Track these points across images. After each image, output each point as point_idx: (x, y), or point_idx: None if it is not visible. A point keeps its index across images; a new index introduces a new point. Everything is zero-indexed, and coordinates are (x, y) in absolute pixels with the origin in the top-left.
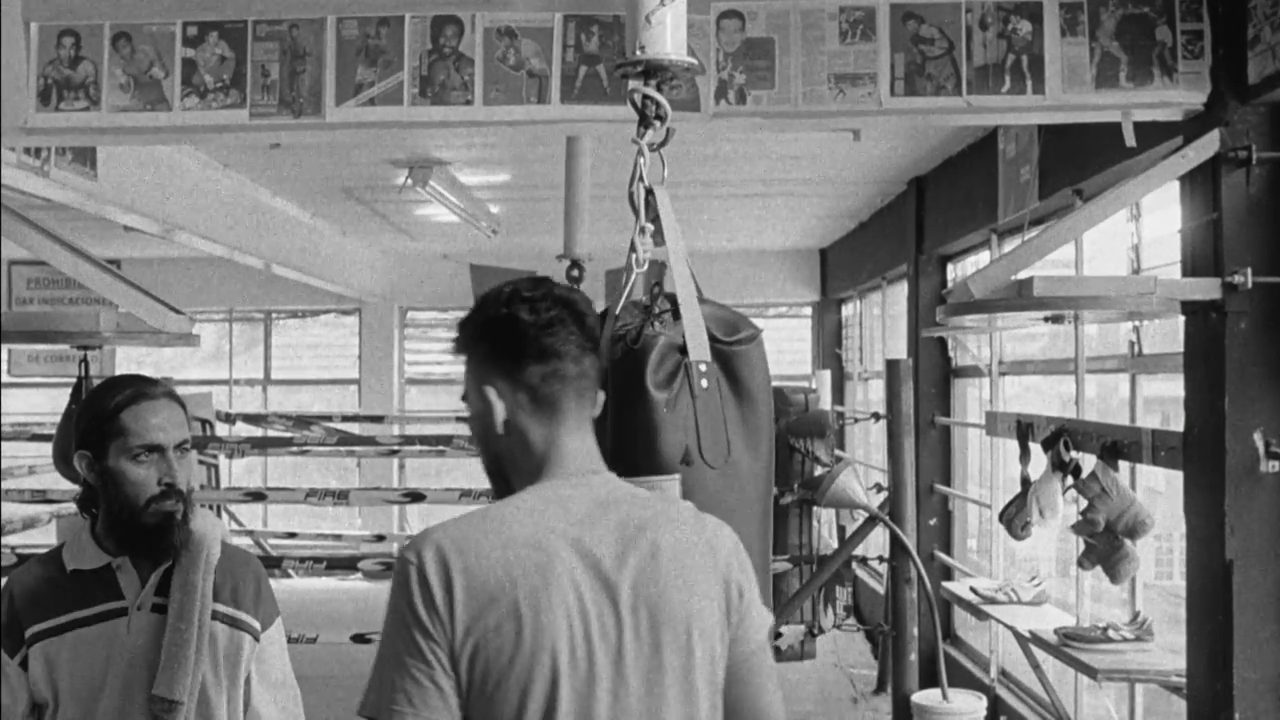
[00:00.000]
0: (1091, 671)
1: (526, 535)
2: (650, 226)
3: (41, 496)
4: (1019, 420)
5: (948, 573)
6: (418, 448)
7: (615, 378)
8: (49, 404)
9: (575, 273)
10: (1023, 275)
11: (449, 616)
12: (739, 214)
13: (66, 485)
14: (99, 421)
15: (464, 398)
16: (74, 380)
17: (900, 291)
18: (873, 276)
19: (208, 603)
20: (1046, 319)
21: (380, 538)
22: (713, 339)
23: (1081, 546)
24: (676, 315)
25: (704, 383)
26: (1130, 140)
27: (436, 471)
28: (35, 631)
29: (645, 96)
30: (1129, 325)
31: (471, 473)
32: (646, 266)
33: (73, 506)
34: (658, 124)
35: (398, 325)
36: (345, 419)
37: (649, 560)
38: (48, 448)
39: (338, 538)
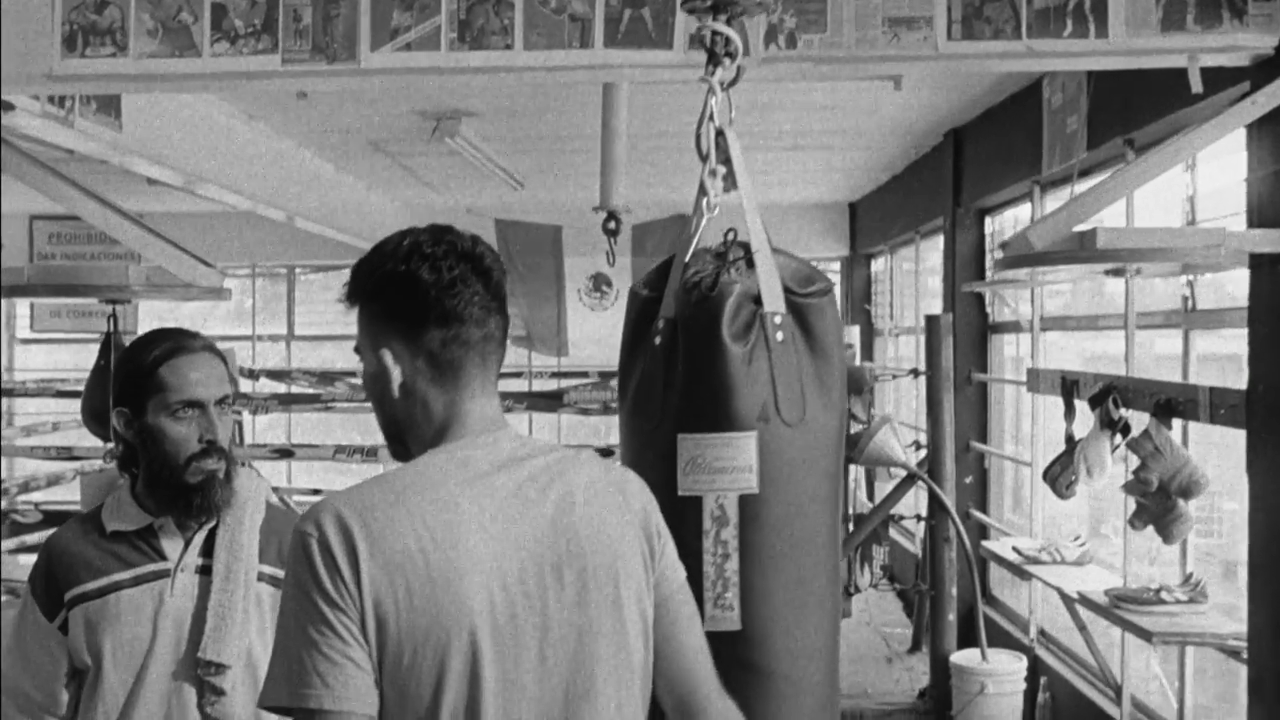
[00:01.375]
0: (1147, 635)
1: (432, 498)
2: (721, 169)
3: (67, 453)
4: (1064, 377)
5: (983, 531)
6: None
7: (688, 328)
8: (71, 360)
9: (611, 225)
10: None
11: (356, 587)
12: (769, 166)
13: (90, 442)
14: (137, 377)
15: (356, 350)
16: (101, 335)
17: (933, 246)
18: (905, 231)
19: (253, 564)
20: (1107, 272)
21: None
22: (786, 290)
23: (1132, 506)
24: (750, 264)
25: (780, 335)
26: (1197, 86)
27: None
28: (75, 594)
29: (714, 32)
30: (1182, 279)
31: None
32: (717, 211)
33: (98, 463)
34: (727, 61)
35: None
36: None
37: (564, 512)
38: (72, 404)
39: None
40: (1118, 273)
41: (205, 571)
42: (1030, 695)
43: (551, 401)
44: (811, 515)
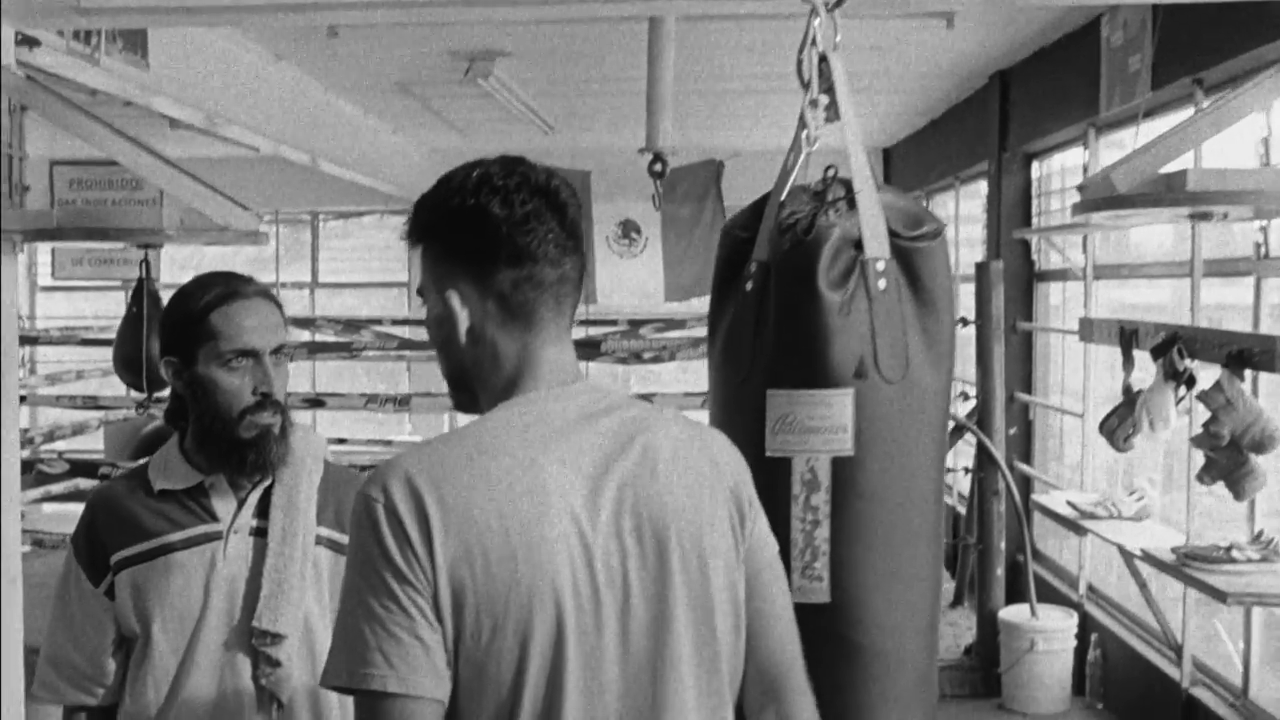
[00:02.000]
0: (1220, 595)
1: (509, 458)
2: (824, 99)
3: (93, 402)
4: (1122, 326)
5: (1027, 484)
6: None
7: (781, 274)
8: (92, 308)
9: (658, 167)
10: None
11: (428, 558)
12: (798, 110)
13: (114, 390)
14: (187, 324)
15: (420, 292)
16: (133, 282)
17: (973, 192)
18: (944, 176)
19: (311, 526)
20: (1192, 216)
21: None
22: (892, 233)
23: (1201, 460)
24: (851, 204)
25: (882, 283)
26: None
27: None
28: (122, 557)
29: None
30: (1254, 225)
31: None
32: (817, 145)
33: (122, 413)
34: None
35: None
36: (395, 322)
37: (648, 473)
38: (95, 352)
39: (388, 443)
40: (1203, 217)
41: (260, 534)
42: (1080, 653)
43: (588, 350)
44: (911, 481)
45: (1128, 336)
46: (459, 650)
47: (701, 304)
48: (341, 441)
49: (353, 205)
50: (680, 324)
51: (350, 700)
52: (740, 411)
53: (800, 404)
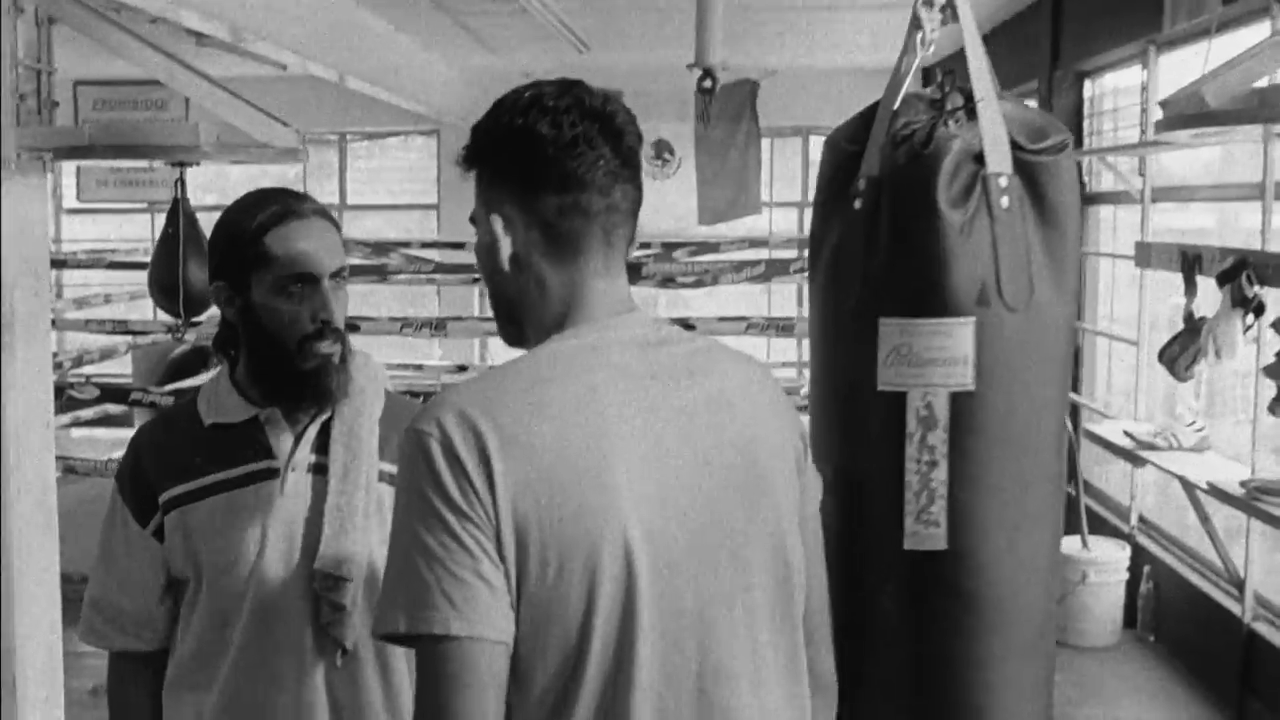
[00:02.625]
0: None
1: (568, 389)
2: None
3: (123, 327)
4: (1184, 251)
5: (1075, 412)
6: None
7: (896, 191)
8: (117, 231)
9: (708, 84)
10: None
11: (488, 492)
12: (830, 28)
13: (141, 315)
14: (239, 247)
15: (472, 219)
16: (167, 203)
17: None
18: None
19: (374, 461)
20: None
21: (463, 368)
22: (1014, 146)
23: (1273, 391)
24: (971, 114)
25: (1005, 201)
26: None
27: None
28: (171, 496)
29: None
30: None
31: None
32: (932, 50)
33: (151, 337)
34: None
35: None
36: (424, 245)
37: (714, 405)
38: (122, 275)
39: (419, 368)
40: None
41: (319, 470)
42: (1132, 585)
43: (629, 273)
44: (1035, 417)
45: (1190, 262)
46: (522, 591)
47: (731, 227)
48: None
49: (380, 126)
50: (714, 247)
51: (411, 651)
52: (848, 341)
53: (917, 334)
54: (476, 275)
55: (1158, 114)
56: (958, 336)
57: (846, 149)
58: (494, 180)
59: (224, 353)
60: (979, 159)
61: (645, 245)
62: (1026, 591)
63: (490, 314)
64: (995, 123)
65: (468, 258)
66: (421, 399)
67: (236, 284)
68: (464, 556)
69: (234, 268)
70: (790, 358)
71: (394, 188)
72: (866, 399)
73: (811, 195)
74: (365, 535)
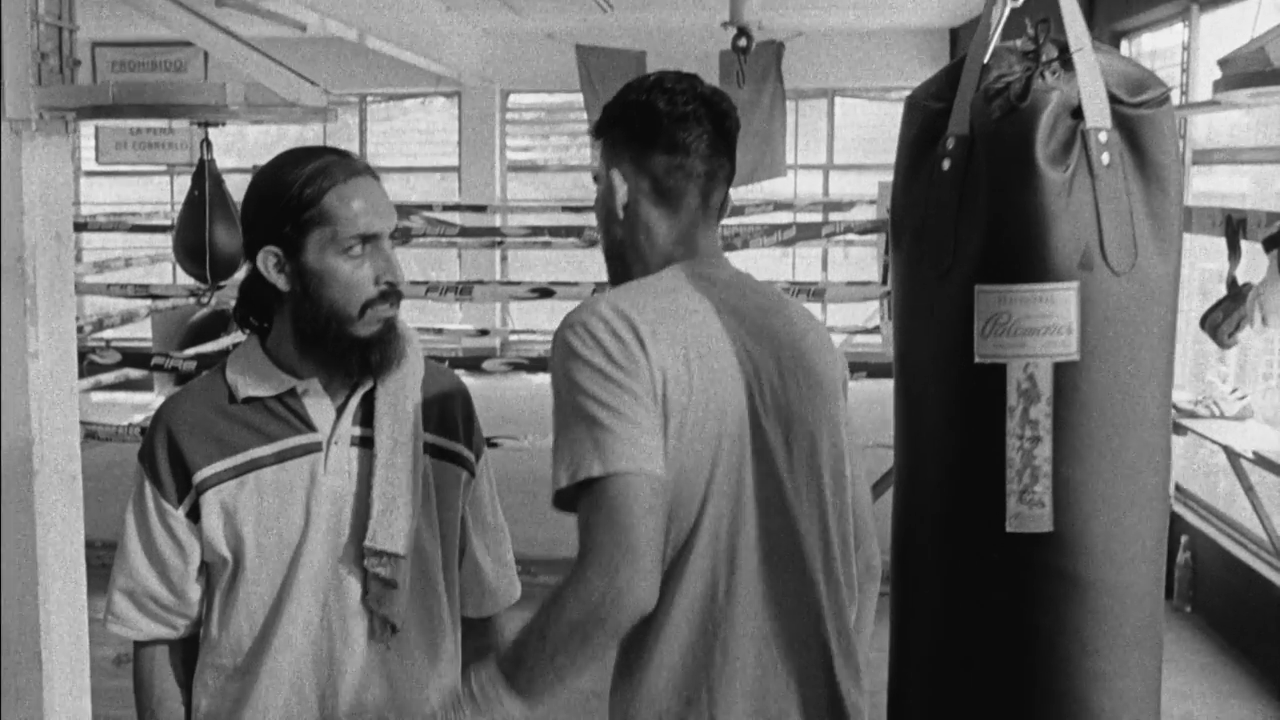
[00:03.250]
0: None
1: (686, 300)
2: None
3: (144, 291)
4: (1229, 215)
5: None
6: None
7: (991, 149)
8: (136, 193)
9: (742, 43)
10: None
11: (642, 353)
12: None
13: (160, 278)
14: (294, 208)
15: (595, 178)
16: (193, 165)
17: None
18: None
19: (420, 432)
20: None
21: (484, 332)
22: (1112, 99)
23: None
24: (1066, 65)
25: (1106, 157)
26: None
27: (544, 264)
28: (207, 476)
29: None
30: None
31: (583, 265)
32: (1021, 1)
33: (170, 302)
34: None
35: (499, 109)
36: (446, 208)
37: (795, 334)
38: (143, 239)
39: (438, 332)
40: None
41: (363, 443)
42: (1169, 554)
43: None
44: (1141, 389)
45: (1235, 226)
46: (667, 440)
47: (755, 190)
48: None
49: (402, 87)
50: (739, 210)
51: (457, 630)
52: (939, 311)
53: (1017, 301)
54: (498, 239)
55: (1201, 74)
56: (1061, 303)
57: (931, 107)
58: (617, 143)
59: (250, 322)
60: (1076, 113)
61: None
62: (1135, 575)
63: (513, 279)
64: (1093, 74)
65: (489, 220)
66: (445, 364)
67: (289, 248)
68: (628, 398)
69: (288, 229)
70: None
71: (412, 150)
72: (962, 372)
73: (836, 158)
74: (415, 510)
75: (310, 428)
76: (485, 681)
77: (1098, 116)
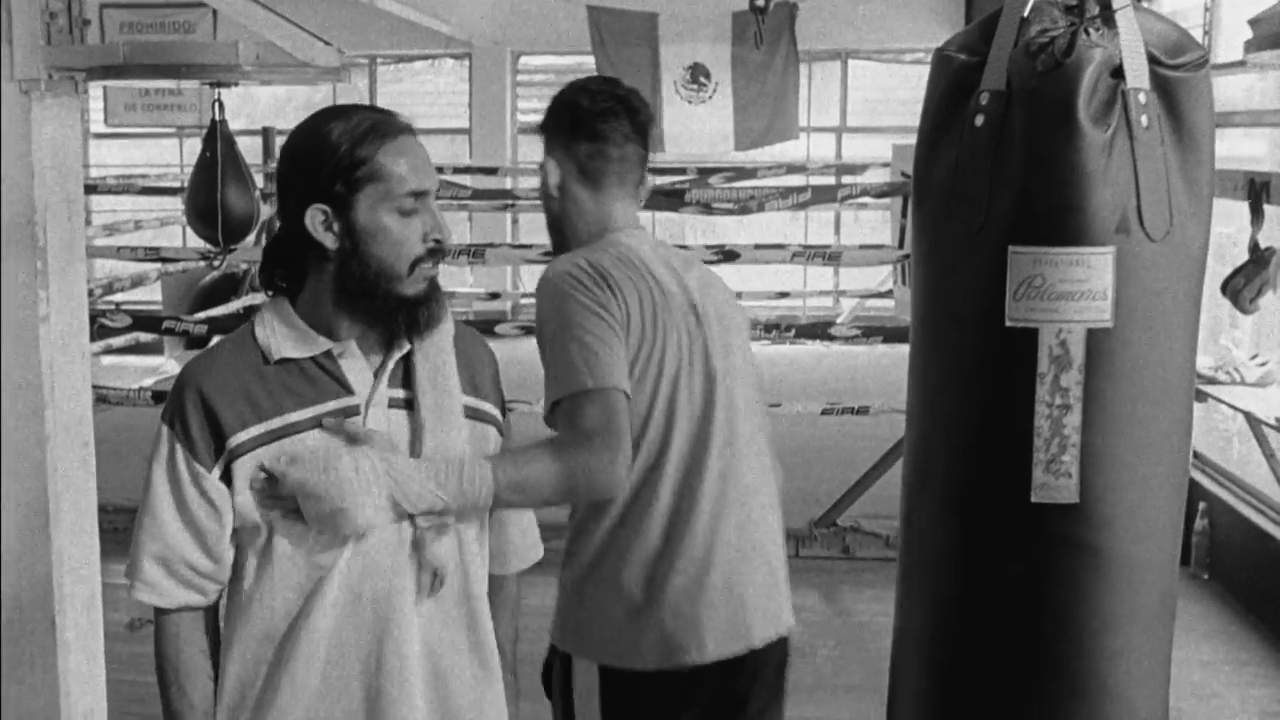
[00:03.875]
0: None
1: (630, 255)
2: None
3: (155, 254)
4: (1252, 179)
5: None
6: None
7: (1031, 106)
8: (144, 156)
9: (761, 2)
10: None
11: (614, 298)
12: None
13: (168, 241)
14: (346, 165)
15: (540, 167)
16: (202, 126)
17: None
18: None
19: (459, 395)
20: None
21: (495, 295)
22: (1151, 60)
23: None
24: (1109, 21)
25: (1145, 119)
26: None
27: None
28: (243, 441)
29: None
30: None
31: None
32: None
33: (180, 264)
34: None
35: (510, 71)
36: (456, 170)
37: (709, 285)
38: (152, 202)
39: (451, 295)
40: None
41: (399, 405)
42: (1187, 520)
43: (672, 200)
44: (1171, 360)
45: (1258, 189)
46: (632, 370)
47: (766, 153)
48: None
49: (412, 49)
50: (751, 173)
51: (485, 581)
52: (969, 272)
53: (1052, 264)
54: (509, 202)
55: (1225, 35)
56: (1097, 268)
57: (962, 61)
58: (550, 134)
59: (276, 283)
60: (1116, 73)
61: (680, 171)
62: (1156, 549)
63: (525, 241)
64: (1133, 32)
65: (501, 183)
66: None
67: (340, 204)
68: (607, 331)
69: (339, 187)
70: (826, 286)
71: (421, 111)
72: (990, 336)
73: (850, 120)
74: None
75: (348, 390)
76: (479, 482)
77: (1137, 76)
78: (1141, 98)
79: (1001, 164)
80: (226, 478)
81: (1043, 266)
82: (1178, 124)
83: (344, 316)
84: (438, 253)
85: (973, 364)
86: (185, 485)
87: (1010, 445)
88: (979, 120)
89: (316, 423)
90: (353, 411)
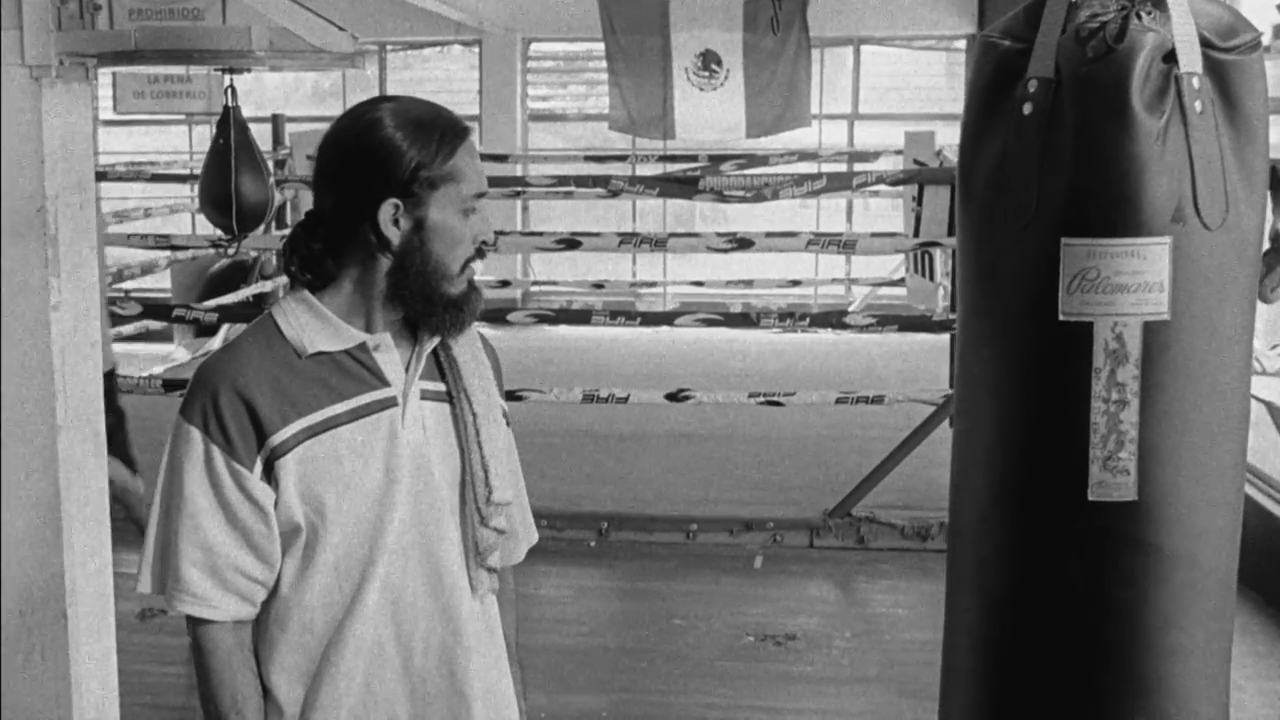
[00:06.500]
0: None
1: None
2: None
3: (165, 242)
4: (1274, 166)
5: None
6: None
7: (1082, 93)
8: (153, 143)
9: None
10: None
11: None
12: None
13: (177, 229)
14: (429, 162)
15: None
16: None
17: None
18: None
19: (493, 387)
20: None
21: (505, 283)
22: (1203, 43)
23: None
24: (1159, 5)
25: (1198, 105)
26: None
27: (563, 214)
28: (286, 439)
29: None
30: None
31: (604, 216)
32: None
33: (190, 252)
34: None
35: (520, 58)
36: None
37: None
38: (162, 189)
39: None
40: None
41: (431, 397)
42: None
43: (686, 187)
44: (1228, 352)
45: (1278, 176)
46: None
47: (778, 140)
48: None
49: (422, 35)
50: (763, 160)
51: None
52: (1020, 265)
53: (1107, 256)
54: (519, 189)
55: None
56: (1153, 259)
57: (1007, 48)
58: None
59: (301, 275)
60: (1168, 57)
61: (692, 158)
62: (1215, 547)
63: (537, 229)
64: (1185, 15)
65: (511, 170)
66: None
67: (414, 201)
68: None
69: (420, 184)
70: (839, 273)
71: (443, 98)
72: (1042, 331)
73: (862, 107)
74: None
75: (384, 382)
76: None
77: (1190, 60)
78: (1195, 82)
79: (1051, 153)
80: (267, 475)
81: (1097, 259)
82: (1231, 108)
83: (389, 310)
84: (482, 254)
85: (1025, 359)
86: (227, 489)
87: (1066, 442)
88: (1027, 109)
89: (354, 416)
90: (390, 404)
